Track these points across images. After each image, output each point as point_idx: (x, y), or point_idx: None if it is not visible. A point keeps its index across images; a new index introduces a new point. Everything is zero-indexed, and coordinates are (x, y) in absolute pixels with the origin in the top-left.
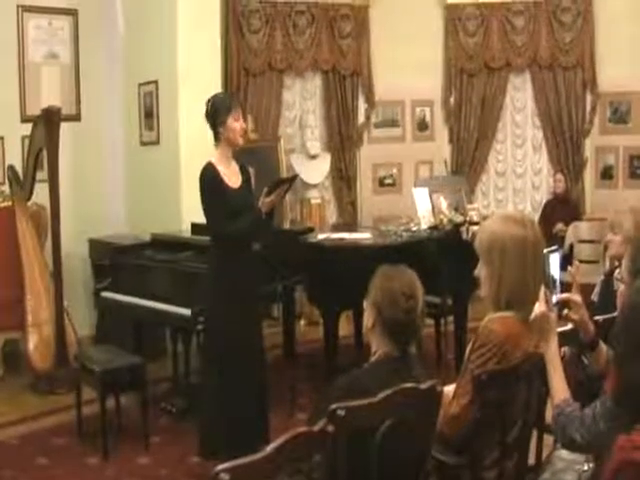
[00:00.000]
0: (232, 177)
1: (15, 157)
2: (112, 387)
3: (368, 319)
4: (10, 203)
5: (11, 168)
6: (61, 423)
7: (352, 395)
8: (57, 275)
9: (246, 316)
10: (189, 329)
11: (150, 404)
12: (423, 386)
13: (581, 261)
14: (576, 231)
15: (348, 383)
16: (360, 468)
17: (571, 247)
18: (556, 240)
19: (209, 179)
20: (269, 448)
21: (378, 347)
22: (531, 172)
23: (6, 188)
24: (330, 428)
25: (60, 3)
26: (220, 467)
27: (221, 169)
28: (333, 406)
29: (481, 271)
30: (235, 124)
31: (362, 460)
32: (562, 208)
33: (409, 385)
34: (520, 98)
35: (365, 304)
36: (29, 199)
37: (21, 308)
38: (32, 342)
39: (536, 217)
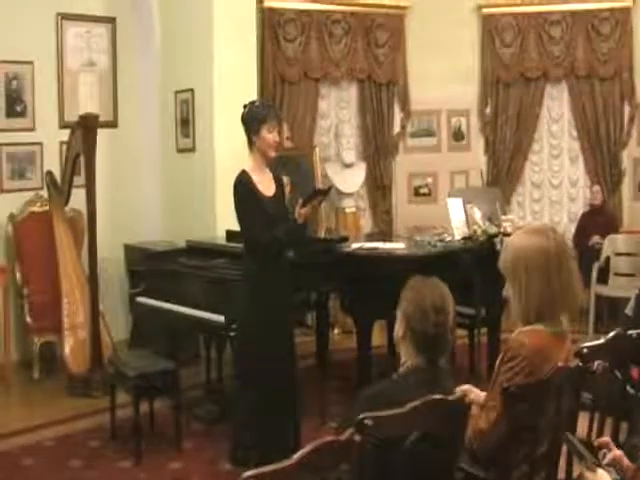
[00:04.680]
0: (266, 185)
1: (53, 163)
2: (145, 391)
3: (399, 329)
4: (48, 208)
5: (49, 174)
6: (95, 426)
7: (380, 405)
8: (93, 279)
9: (279, 324)
10: (222, 335)
11: (183, 409)
12: (451, 398)
13: (617, 274)
14: (613, 244)
15: (376, 393)
16: (387, 478)
17: (607, 260)
18: (592, 252)
19: (243, 187)
20: (295, 456)
21: (407, 358)
22: (567, 183)
23: (45, 193)
24: (357, 438)
25: (99, 11)
26: (246, 474)
27: (255, 177)
28: (361, 416)
29: (509, 291)
30: (268, 136)
31: (389, 470)
32: (599, 220)
33: (437, 396)
34: (557, 109)
35: (397, 313)
36: (66, 204)
37: (58, 312)
38: (68, 345)
39: (572, 229)
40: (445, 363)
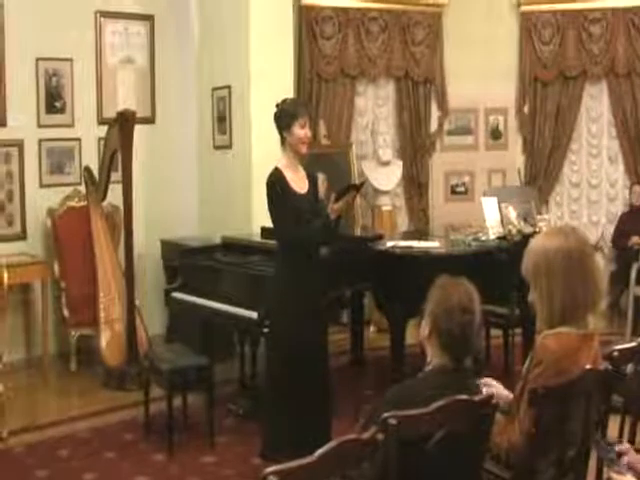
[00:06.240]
0: (299, 182)
1: (91, 159)
2: (179, 386)
3: (424, 328)
4: (86, 203)
5: (87, 169)
6: (130, 419)
7: (403, 404)
8: (129, 274)
9: (311, 320)
10: (256, 332)
11: (217, 404)
12: (477, 398)
13: None
14: None
15: (400, 392)
16: (409, 478)
17: None
18: (631, 253)
19: (275, 185)
20: (317, 453)
21: (433, 357)
22: (606, 183)
23: (82, 188)
24: (380, 436)
25: (137, 9)
26: (269, 470)
27: (288, 174)
28: (385, 415)
29: (533, 296)
30: (299, 131)
31: (412, 470)
32: (638, 221)
33: (462, 397)
34: (596, 108)
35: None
36: (104, 199)
37: (94, 305)
38: (104, 339)
39: (611, 229)
40: (470, 363)
